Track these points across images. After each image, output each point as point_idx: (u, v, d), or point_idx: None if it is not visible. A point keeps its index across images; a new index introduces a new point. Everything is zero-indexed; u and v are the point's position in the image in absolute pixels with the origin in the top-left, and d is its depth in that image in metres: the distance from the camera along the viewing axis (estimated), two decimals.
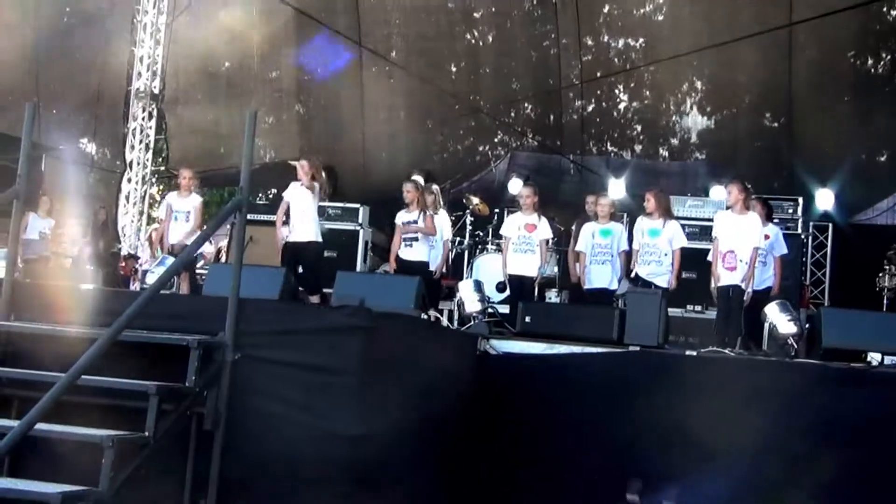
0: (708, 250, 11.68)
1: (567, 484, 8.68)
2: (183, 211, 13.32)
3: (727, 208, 11.51)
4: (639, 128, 20.31)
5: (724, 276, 11.10)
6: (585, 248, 12.24)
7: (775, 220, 14.16)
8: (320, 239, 12.41)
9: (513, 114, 20.05)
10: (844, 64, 18.09)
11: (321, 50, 19.19)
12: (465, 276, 14.36)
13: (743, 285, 11.00)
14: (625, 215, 14.63)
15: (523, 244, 12.31)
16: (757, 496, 7.87)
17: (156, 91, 19.35)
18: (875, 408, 8.11)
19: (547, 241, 12.35)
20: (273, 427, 7.08)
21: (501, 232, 12.82)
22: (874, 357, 9.81)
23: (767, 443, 7.94)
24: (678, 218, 12.80)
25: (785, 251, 12.25)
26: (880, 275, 14.97)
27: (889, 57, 18.44)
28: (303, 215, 12.17)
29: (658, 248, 11.79)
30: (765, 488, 7.87)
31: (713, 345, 10.57)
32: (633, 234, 12.10)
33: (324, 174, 12.72)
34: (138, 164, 19.13)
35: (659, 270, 11.74)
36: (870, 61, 18.61)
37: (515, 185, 16.84)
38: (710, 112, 19.59)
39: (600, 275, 12.16)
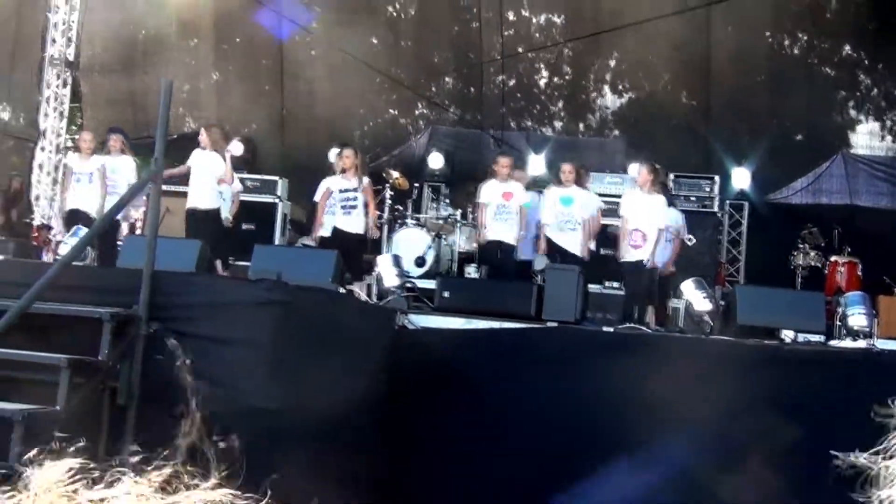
0: None
1: (484, 458, 8.71)
2: (85, 173, 13.21)
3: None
4: (559, 104, 20.38)
5: (630, 253, 11.32)
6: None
7: (692, 199, 14.38)
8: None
9: (434, 87, 19.99)
10: (761, 43, 18.28)
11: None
12: (384, 250, 14.30)
13: (648, 263, 11.22)
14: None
15: (503, 213, 12.35)
16: (673, 474, 7.94)
17: (71, 58, 18.98)
18: (787, 384, 8.23)
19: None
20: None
21: (479, 200, 12.80)
22: (787, 334, 9.95)
23: (683, 419, 8.02)
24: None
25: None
26: (794, 253, 15.20)
27: (805, 37, 18.68)
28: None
29: (573, 216, 11.98)
30: (680, 465, 7.94)
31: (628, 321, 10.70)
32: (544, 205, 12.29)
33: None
34: (52, 132, 18.77)
35: (575, 238, 11.93)
36: (786, 41, 18.83)
37: (436, 160, 16.81)
38: (629, 89, 19.72)
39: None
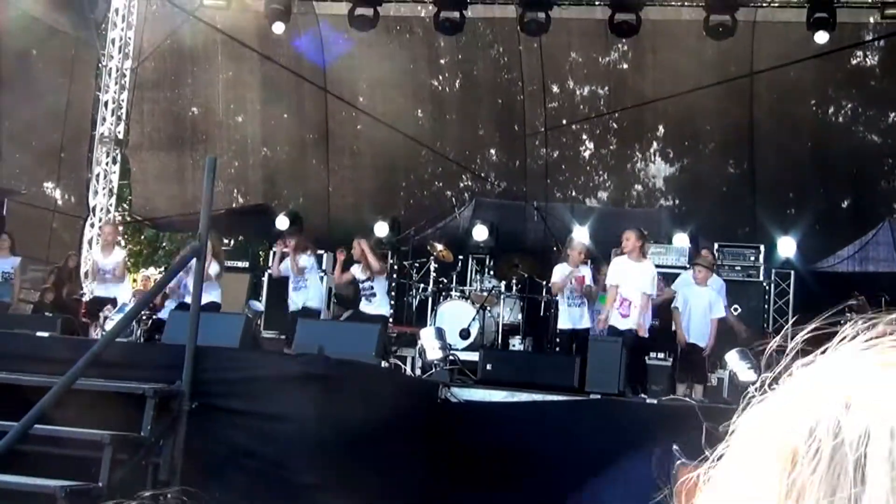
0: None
1: None
2: (108, 268, 13.53)
3: (621, 253, 11.65)
4: (604, 174, 20.40)
5: (619, 322, 11.17)
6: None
7: (737, 268, 14.23)
8: None
9: (478, 160, 20.09)
10: (806, 112, 18.29)
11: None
12: (428, 323, 14.30)
13: (639, 331, 11.11)
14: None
15: (576, 298, 12.35)
16: None
17: (120, 136, 19.27)
18: None
19: (603, 289, 12.32)
20: (229, 476, 7.02)
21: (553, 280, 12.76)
22: None
23: None
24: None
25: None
26: (842, 322, 15.01)
27: (849, 105, 18.66)
28: None
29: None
30: None
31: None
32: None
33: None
34: (101, 209, 19.02)
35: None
36: (831, 109, 18.81)
37: (480, 232, 16.84)
38: (674, 159, 19.74)
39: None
